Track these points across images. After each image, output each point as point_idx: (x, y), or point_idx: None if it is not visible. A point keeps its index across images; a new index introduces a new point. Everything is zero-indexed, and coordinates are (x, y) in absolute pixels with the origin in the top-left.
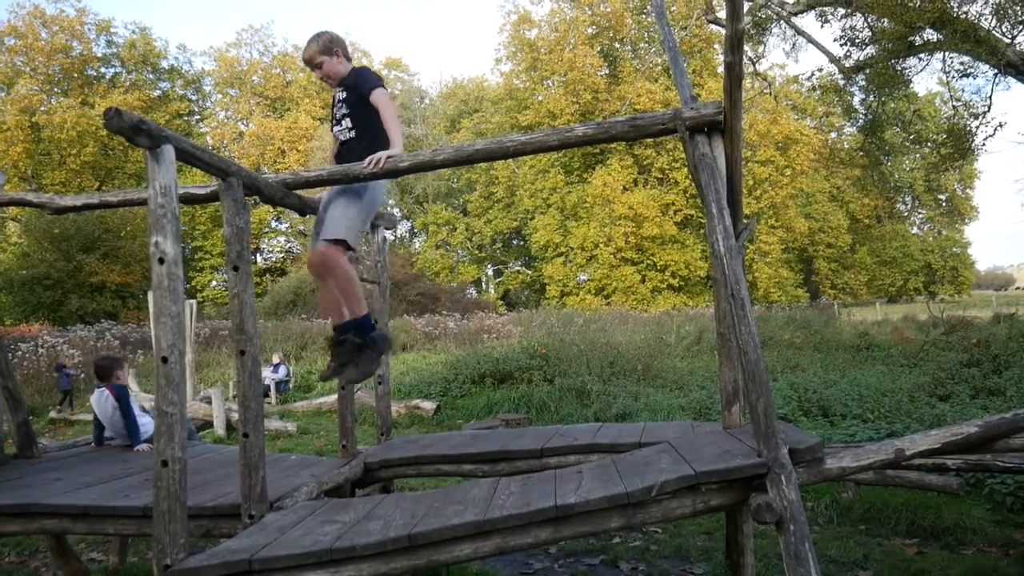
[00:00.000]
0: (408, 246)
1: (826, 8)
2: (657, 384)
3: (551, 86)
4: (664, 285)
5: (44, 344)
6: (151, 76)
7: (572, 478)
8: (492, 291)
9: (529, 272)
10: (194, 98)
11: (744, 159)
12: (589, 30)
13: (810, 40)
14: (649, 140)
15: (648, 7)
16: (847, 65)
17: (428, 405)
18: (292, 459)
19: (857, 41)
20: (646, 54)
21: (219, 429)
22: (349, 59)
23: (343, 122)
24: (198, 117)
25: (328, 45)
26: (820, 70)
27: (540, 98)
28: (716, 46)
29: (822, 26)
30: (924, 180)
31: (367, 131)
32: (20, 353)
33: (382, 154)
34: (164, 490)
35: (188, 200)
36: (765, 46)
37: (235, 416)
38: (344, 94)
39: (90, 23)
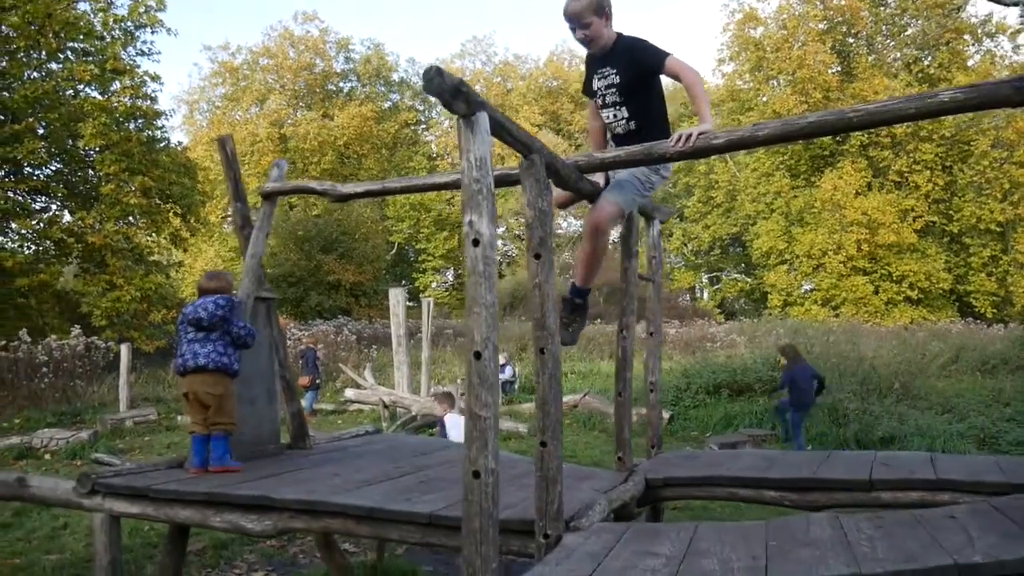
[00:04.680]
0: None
1: None
2: (920, 406)
3: (777, 86)
4: (900, 297)
5: (292, 336)
6: (383, 89)
7: (948, 525)
8: (707, 298)
9: (748, 280)
10: (421, 108)
11: (999, 160)
12: (820, 25)
13: None
14: (887, 140)
15: None
16: None
17: (663, 414)
18: (565, 469)
19: None
20: (884, 48)
21: None
22: (612, 23)
23: (615, 110)
24: (424, 126)
25: (600, 3)
26: None
27: (765, 99)
28: (966, 36)
29: None
30: None
31: (646, 121)
32: None
33: (693, 130)
34: (476, 505)
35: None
36: None
37: None
38: (615, 74)
39: (331, 41)
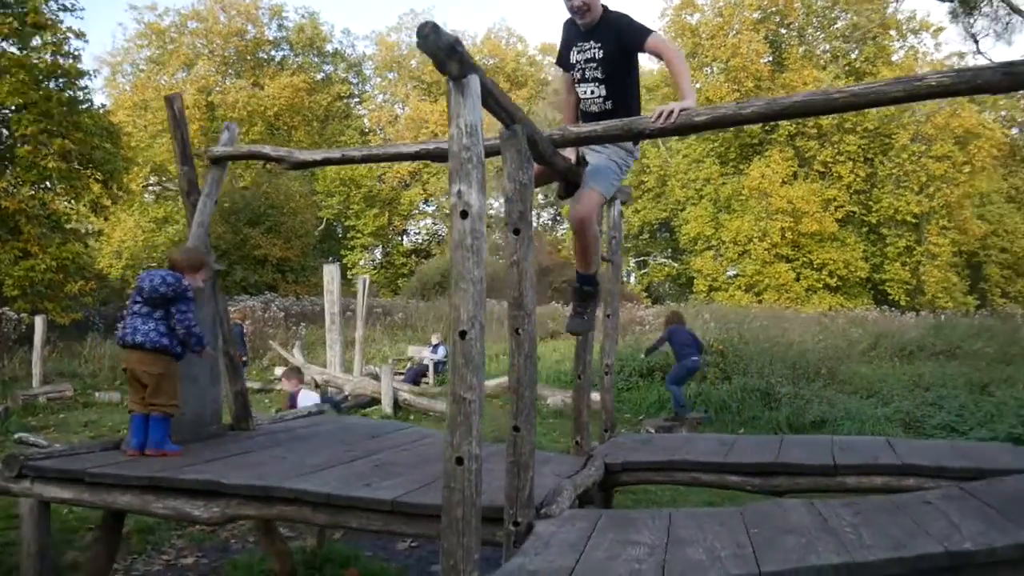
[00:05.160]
0: (553, 232)
1: None
2: (846, 390)
3: (711, 73)
4: (820, 284)
5: None
6: (316, 59)
7: (926, 511)
8: (634, 282)
9: (675, 265)
10: (355, 81)
11: (918, 153)
12: (755, 15)
13: None
14: (813, 131)
15: None
16: None
17: (594, 396)
18: None
19: None
20: (814, 40)
21: (386, 407)
22: None
23: (593, 87)
24: (357, 99)
25: None
26: None
27: (699, 85)
28: (892, 32)
29: None
30: None
31: (623, 101)
32: None
33: (675, 105)
34: (458, 493)
35: (440, 157)
36: (972, 27)
37: (403, 395)
38: (599, 48)
39: (264, 7)
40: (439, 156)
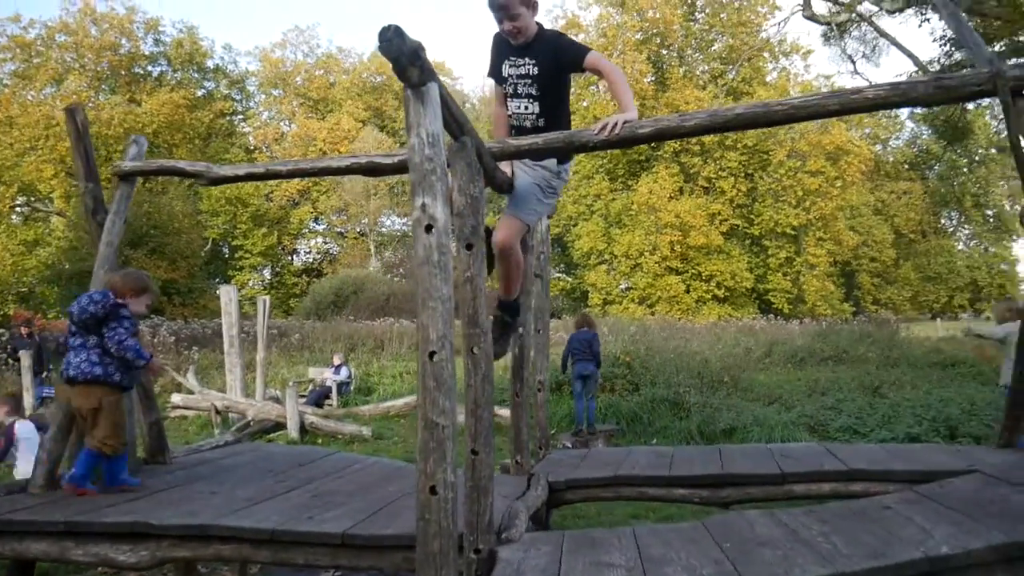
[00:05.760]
0: None
1: (925, 5)
2: (749, 398)
3: (598, 91)
4: (709, 296)
5: None
6: (196, 75)
7: (890, 517)
8: None
9: (569, 279)
10: (238, 98)
11: (794, 169)
12: (637, 36)
13: (894, 43)
14: (696, 148)
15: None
16: (942, 65)
17: (504, 412)
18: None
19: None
20: (693, 61)
21: (292, 431)
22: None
23: (527, 103)
24: (241, 117)
25: None
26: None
27: (586, 103)
28: (765, 54)
29: (920, 25)
30: (972, 195)
31: (556, 118)
32: None
33: (618, 118)
34: (435, 524)
35: (371, 171)
36: (843, 49)
37: (310, 419)
38: (534, 65)
39: (139, 21)
40: (369, 170)
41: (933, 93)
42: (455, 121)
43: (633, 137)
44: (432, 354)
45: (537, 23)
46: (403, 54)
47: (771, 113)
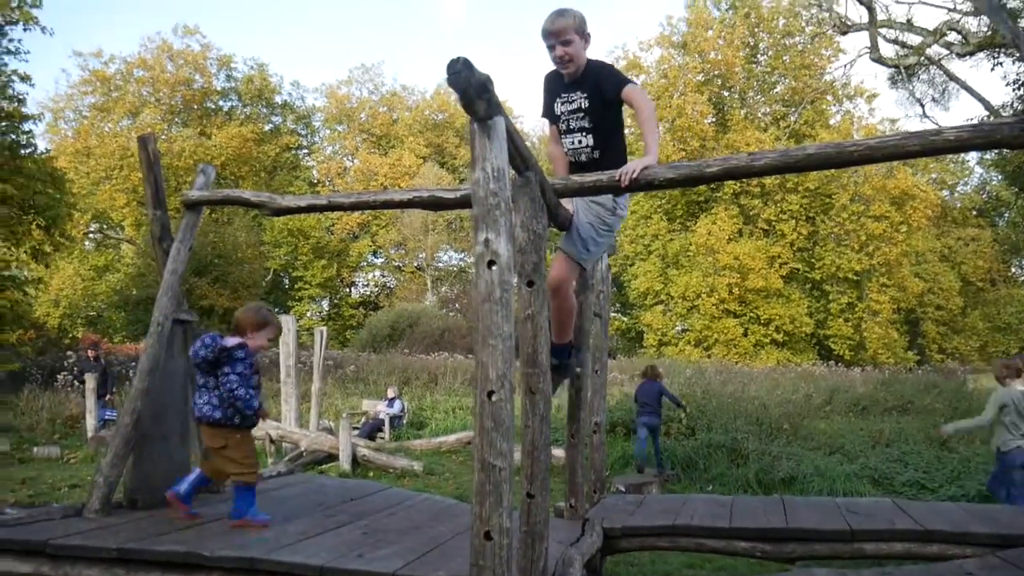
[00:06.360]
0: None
1: (999, 49)
2: (809, 446)
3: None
4: (767, 340)
5: None
6: (265, 110)
7: None
8: None
9: (624, 319)
10: (303, 133)
11: (857, 213)
12: (698, 77)
13: (964, 87)
14: (757, 190)
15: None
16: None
17: (558, 452)
18: None
19: None
20: (755, 103)
21: (344, 463)
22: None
23: (580, 137)
24: (306, 151)
25: (582, 24)
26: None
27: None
28: (829, 97)
29: (992, 68)
30: None
31: (610, 150)
32: None
33: (637, 164)
34: (489, 571)
35: (432, 205)
36: (911, 92)
37: (362, 451)
38: (584, 98)
39: (212, 58)
40: (432, 204)
41: (1019, 135)
42: (520, 156)
43: (701, 176)
44: (491, 393)
45: (587, 57)
46: (471, 86)
47: (845, 154)
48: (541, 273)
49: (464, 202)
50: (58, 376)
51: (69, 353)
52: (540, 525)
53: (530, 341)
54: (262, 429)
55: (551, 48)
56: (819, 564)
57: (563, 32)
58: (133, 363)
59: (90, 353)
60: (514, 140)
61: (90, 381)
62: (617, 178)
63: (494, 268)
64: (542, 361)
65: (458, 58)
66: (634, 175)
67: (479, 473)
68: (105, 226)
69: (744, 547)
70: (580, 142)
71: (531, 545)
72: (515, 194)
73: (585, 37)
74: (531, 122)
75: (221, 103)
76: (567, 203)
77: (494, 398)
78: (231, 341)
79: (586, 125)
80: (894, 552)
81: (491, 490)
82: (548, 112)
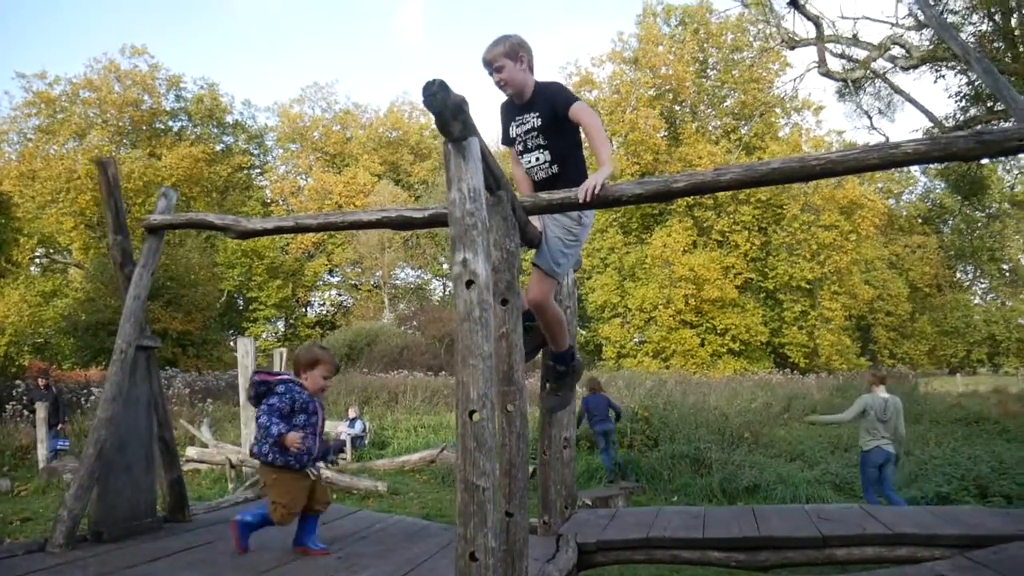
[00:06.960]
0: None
1: (941, 63)
2: (770, 454)
3: (611, 147)
4: (724, 349)
5: None
6: (216, 130)
7: None
8: None
9: (583, 332)
10: (256, 152)
11: (808, 223)
12: (650, 92)
13: (908, 99)
14: (710, 202)
15: (707, 71)
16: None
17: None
18: None
19: (980, 97)
20: (706, 116)
21: None
22: (533, 71)
23: (537, 154)
24: (259, 171)
25: (515, 49)
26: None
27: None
28: (777, 110)
29: (935, 81)
30: (988, 249)
31: (567, 163)
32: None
33: (595, 179)
34: None
35: (401, 225)
36: (858, 104)
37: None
38: (536, 117)
39: (161, 78)
40: (401, 224)
41: (974, 147)
42: (492, 175)
43: (668, 191)
44: (472, 413)
45: (535, 80)
46: (447, 108)
47: (808, 168)
48: (515, 291)
49: (434, 221)
50: (6, 406)
51: (17, 382)
52: (520, 544)
53: (505, 359)
54: (222, 453)
55: (490, 75)
56: (792, 571)
57: (495, 59)
58: (84, 390)
59: (40, 382)
60: (487, 160)
61: (41, 410)
62: (577, 196)
63: (473, 288)
64: (518, 379)
65: (434, 80)
66: (596, 191)
67: (462, 493)
68: (52, 250)
69: (718, 557)
70: (538, 159)
71: (511, 564)
72: (489, 211)
73: (519, 59)
74: (487, 138)
75: (171, 123)
76: (534, 219)
77: (475, 417)
78: (276, 376)
79: (541, 142)
80: (865, 556)
81: (475, 510)
82: (505, 138)
